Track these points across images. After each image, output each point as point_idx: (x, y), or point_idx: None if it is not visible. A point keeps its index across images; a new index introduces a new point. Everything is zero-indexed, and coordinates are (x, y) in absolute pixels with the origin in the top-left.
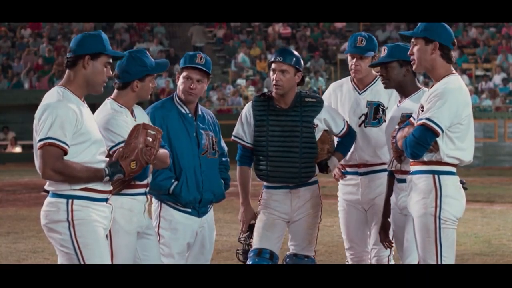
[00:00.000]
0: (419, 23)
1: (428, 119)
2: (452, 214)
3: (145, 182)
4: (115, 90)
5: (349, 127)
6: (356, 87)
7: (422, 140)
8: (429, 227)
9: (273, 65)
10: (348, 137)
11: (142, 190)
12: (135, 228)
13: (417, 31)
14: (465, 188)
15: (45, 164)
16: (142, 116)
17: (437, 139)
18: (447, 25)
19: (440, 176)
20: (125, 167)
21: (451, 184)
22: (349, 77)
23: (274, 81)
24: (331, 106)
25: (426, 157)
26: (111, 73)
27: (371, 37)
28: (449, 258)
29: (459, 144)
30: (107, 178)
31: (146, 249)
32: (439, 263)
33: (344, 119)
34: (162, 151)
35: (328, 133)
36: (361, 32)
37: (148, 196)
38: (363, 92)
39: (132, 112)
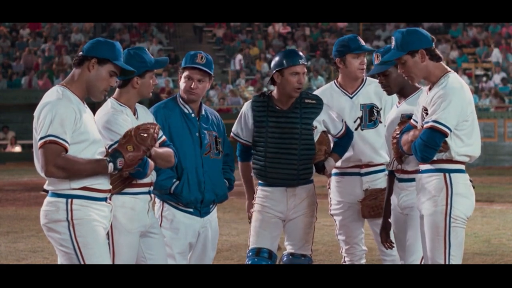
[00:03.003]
0: (393, 40)
1: (435, 121)
2: (462, 212)
3: (148, 181)
4: (117, 89)
5: (347, 128)
6: (345, 91)
7: (431, 143)
8: (439, 225)
9: (298, 69)
10: (346, 138)
11: (145, 189)
12: (137, 227)
13: (398, 52)
14: (473, 187)
15: (48, 162)
16: (146, 116)
17: (446, 138)
18: (418, 28)
19: (451, 174)
20: (123, 151)
21: (462, 182)
22: (330, 84)
23: (297, 84)
24: (330, 107)
25: (436, 156)
26: (114, 83)
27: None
28: (456, 257)
29: (467, 140)
30: (111, 165)
31: (151, 248)
32: (447, 262)
33: (342, 120)
34: (167, 150)
35: (326, 134)
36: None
37: (152, 195)
38: (354, 95)
39: (135, 112)
